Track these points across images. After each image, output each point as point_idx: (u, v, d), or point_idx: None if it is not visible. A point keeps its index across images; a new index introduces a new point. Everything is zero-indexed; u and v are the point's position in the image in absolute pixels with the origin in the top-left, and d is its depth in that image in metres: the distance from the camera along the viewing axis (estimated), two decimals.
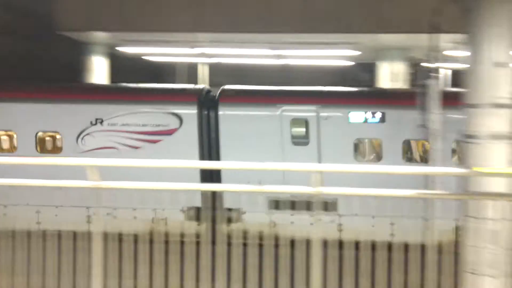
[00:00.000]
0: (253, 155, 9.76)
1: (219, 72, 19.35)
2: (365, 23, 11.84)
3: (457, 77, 8.23)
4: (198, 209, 10.36)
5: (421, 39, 10.97)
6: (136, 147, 10.43)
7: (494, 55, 7.05)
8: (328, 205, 9.59)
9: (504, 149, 7.16)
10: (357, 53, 14.72)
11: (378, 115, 10.41)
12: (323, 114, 10.39)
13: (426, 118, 8.19)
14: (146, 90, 11.73)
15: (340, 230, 9.91)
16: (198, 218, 10.42)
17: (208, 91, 11.42)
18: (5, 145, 10.98)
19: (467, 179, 7.13)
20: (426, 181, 8.00)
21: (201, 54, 15.95)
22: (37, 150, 10.58)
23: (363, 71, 20.99)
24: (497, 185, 7.00)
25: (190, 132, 10.41)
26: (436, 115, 8.03)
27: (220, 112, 10.50)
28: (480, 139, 7.15)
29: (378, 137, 10.53)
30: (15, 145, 10.84)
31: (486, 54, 7.11)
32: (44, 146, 10.87)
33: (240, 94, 11.29)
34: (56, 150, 10.89)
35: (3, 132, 10.92)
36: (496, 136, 7.12)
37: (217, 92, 10.96)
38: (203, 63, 19.37)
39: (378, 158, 10.66)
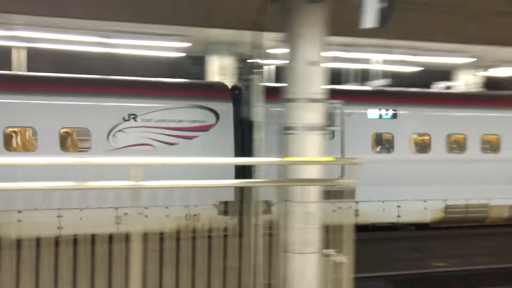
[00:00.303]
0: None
1: (39, 58, 17.72)
2: (194, 16, 12.00)
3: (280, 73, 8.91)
4: (232, 204, 10.26)
5: (247, 36, 11.58)
6: (172, 143, 10.25)
7: (308, 54, 7.74)
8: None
9: (318, 139, 7.98)
10: (187, 45, 14.83)
11: (391, 112, 11.86)
12: (347, 110, 11.25)
13: (250, 111, 8.64)
14: (182, 85, 11.86)
15: None
16: (228, 212, 10.48)
17: (237, 87, 11.32)
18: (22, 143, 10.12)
19: (286, 167, 7.76)
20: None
21: (15, 37, 14.42)
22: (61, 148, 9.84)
23: (195, 64, 21.28)
24: (312, 172, 7.79)
25: (226, 127, 10.47)
26: (259, 108, 8.50)
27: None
28: (297, 130, 7.85)
29: (391, 131, 11.86)
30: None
31: (301, 53, 7.77)
32: (65, 144, 10.12)
33: (271, 91, 10.41)
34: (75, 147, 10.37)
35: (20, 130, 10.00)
36: (310, 127, 7.87)
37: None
38: (19, 48, 17.51)
39: (392, 148, 11.94)
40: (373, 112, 11.93)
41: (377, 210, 11.76)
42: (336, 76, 16.27)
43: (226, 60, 14.98)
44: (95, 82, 11.03)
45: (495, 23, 13.15)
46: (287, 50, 7.98)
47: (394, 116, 12.04)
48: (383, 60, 15.46)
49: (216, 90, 11.25)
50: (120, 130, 10.01)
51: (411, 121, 12.29)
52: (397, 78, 15.96)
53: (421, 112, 12.47)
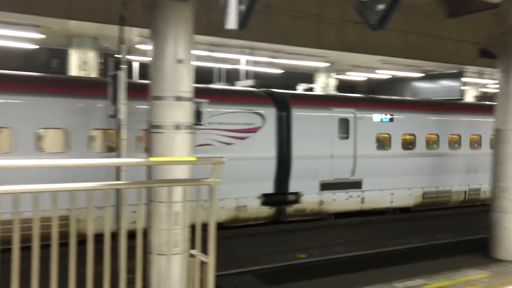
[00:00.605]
0: (317, 146, 12.91)
1: None
2: (50, 6, 11.14)
3: (146, 70, 8.71)
4: (270, 195, 12.32)
5: (113, 30, 11.08)
6: (229, 143, 11.66)
7: (176, 52, 7.65)
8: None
9: (186, 138, 7.93)
10: (41, 36, 13.68)
11: (389, 116, 14.28)
12: (359, 115, 13.75)
13: (115, 109, 8.28)
14: (236, 92, 13.45)
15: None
16: (270, 203, 12.40)
17: (277, 94, 13.22)
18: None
19: (152, 167, 7.58)
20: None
21: None
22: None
23: (54, 57, 19.83)
24: (179, 172, 7.72)
25: (270, 129, 12.14)
26: (123, 105, 8.19)
27: (292, 112, 12.71)
28: (164, 129, 7.72)
29: (388, 132, 14.22)
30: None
31: (169, 51, 7.65)
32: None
33: (304, 98, 14.30)
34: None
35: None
36: (178, 126, 7.79)
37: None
38: None
39: (389, 147, 14.37)
40: (377, 117, 14.31)
41: (377, 197, 14.29)
42: (206, 75, 16.37)
43: (89, 54, 14.18)
44: None
45: (348, 31, 14.32)
46: (154, 47, 7.82)
47: (391, 120, 14.38)
48: (249, 61, 15.91)
49: (262, 97, 12.87)
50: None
51: (403, 124, 14.68)
52: (264, 79, 16.57)
53: (410, 117, 14.96)
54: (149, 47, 7.98)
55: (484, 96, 20.01)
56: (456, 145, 15.84)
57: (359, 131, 13.70)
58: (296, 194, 12.92)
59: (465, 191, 16.31)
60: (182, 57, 7.72)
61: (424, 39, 15.72)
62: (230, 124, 11.78)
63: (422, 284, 5.89)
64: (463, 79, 18.79)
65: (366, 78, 22.73)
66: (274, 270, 10.97)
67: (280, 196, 12.69)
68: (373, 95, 16.77)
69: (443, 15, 15.84)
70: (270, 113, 12.37)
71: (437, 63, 16.93)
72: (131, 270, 3.48)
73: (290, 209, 12.99)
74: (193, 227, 3.66)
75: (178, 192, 6.14)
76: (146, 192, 6.59)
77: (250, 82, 14.99)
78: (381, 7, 3.98)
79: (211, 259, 3.48)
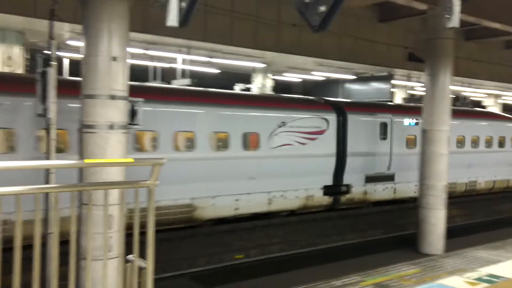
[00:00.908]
0: (364, 145, 15.55)
1: None
2: None
3: (78, 67, 8.33)
4: (330, 187, 14.52)
5: (40, 25, 10.52)
6: (303, 143, 13.91)
7: (110, 49, 7.36)
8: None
9: (120, 138, 7.66)
10: None
11: (415, 121, 16.74)
12: (394, 120, 16.43)
13: (44, 107, 7.86)
14: (307, 100, 15.86)
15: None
16: (329, 193, 14.61)
17: (337, 102, 16.00)
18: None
19: (85, 168, 7.26)
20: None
21: None
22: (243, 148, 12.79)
23: None
24: (114, 173, 7.45)
25: (332, 131, 14.30)
26: (52, 104, 7.79)
27: (347, 117, 15.16)
28: (97, 129, 7.42)
29: (415, 134, 16.53)
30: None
31: (102, 47, 7.35)
32: (249, 144, 12.91)
33: (356, 105, 16.72)
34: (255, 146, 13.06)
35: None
36: (112, 126, 7.51)
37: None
38: None
39: (414, 146, 16.52)
40: (406, 121, 16.99)
41: (405, 188, 16.90)
42: (141, 73, 15.96)
43: (14, 49, 13.37)
44: (260, 97, 15.97)
45: (285, 33, 14.52)
46: (87, 43, 7.50)
47: (417, 123, 16.57)
48: (186, 60, 15.70)
49: (327, 105, 15.27)
50: (275, 134, 13.40)
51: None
52: (201, 79, 16.43)
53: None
54: (81, 44, 7.64)
55: (412, 98, 21.03)
56: (459, 144, 18.65)
57: (394, 133, 16.48)
58: (348, 186, 15.49)
59: (466, 183, 19.25)
60: (117, 54, 7.45)
61: (357, 42, 16.25)
62: (305, 127, 14.10)
63: (359, 281, 6.07)
64: (392, 81, 19.61)
65: (301, 80, 23.16)
66: (211, 272, 10.90)
67: (336, 187, 15.23)
68: (401, 103, 20.03)
69: (375, 19, 16.45)
70: (332, 118, 14.74)
71: (369, 65, 17.55)
72: (63, 277, 3.30)
73: (343, 198, 15.54)
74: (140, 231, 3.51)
75: (113, 194, 5.91)
76: (78, 195, 6.30)
77: (187, 81, 14.78)
78: (322, 9, 4.03)
79: (149, 264, 3.36)
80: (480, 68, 20.18)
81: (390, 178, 16.54)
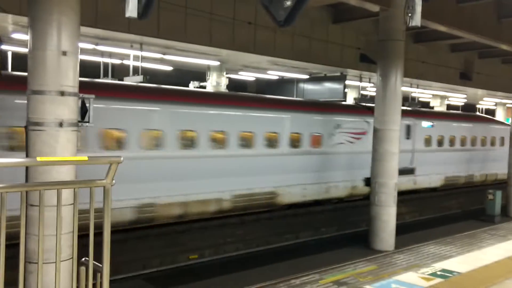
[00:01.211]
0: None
1: None
2: None
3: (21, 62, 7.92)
4: (368, 179, 14.86)
5: None
6: (352, 142, 17.05)
7: (59, 43, 7.03)
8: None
9: (70, 136, 7.34)
10: None
11: (431, 123, 20.55)
12: (415, 122, 19.61)
13: None
14: (354, 106, 18.93)
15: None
16: (368, 184, 15.26)
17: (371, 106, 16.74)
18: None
19: (33, 168, 6.91)
20: None
21: None
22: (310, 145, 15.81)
23: None
24: (63, 173, 7.13)
25: (371, 132, 14.73)
26: None
27: None
28: (45, 127, 7.08)
29: (430, 134, 20.49)
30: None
31: (51, 41, 7.00)
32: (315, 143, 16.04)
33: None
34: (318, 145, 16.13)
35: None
36: (62, 123, 7.18)
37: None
38: None
39: (430, 145, 20.49)
40: (425, 123, 20.38)
41: (422, 180, 20.12)
42: (91, 69, 15.43)
43: None
44: (322, 104, 17.74)
45: (240, 31, 14.44)
46: (33, 36, 7.13)
47: (432, 126, 20.59)
48: (138, 57, 15.31)
49: (368, 110, 17.38)
50: (333, 135, 16.44)
51: (439, 129, 20.96)
52: (154, 76, 16.08)
53: (441, 124, 21.30)
54: (26, 37, 7.26)
55: (363, 98, 21.52)
56: (464, 143, 22.63)
57: (415, 134, 19.60)
58: None
59: (465, 176, 23.06)
60: (67, 48, 7.13)
61: (311, 42, 16.40)
62: (353, 129, 17.14)
63: (318, 279, 6.09)
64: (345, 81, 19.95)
65: (255, 78, 23.17)
66: (165, 273, 10.70)
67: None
68: (420, 109, 22.65)
69: (329, 20, 16.67)
70: (372, 121, 16.24)
71: (322, 66, 17.76)
72: (10, 282, 3.10)
73: None
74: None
75: (64, 194, 5.63)
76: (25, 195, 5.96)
77: (139, 78, 14.40)
78: (288, 3, 3.99)
79: (105, 267, 3.20)
80: (428, 69, 20.91)
81: (411, 171, 19.54)
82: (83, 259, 3.49)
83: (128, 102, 11.80)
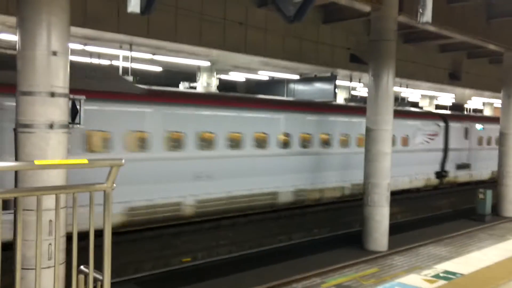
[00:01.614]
0: (457, 143, 22.52)
1: None
2: None
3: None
4: (438, 172, 20.92)
5: None
6: (428, 142, 20.94)
7: (49, 43, 6.86)
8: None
9: (61, 139, 7.16)
10: None
11: (482, 126, 24.93)
12: (471, 125, 23.81)
13: None
14: (429, 113, 23.77)
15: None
16: (437, 177, 21.21)
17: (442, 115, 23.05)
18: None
19: (24, 172, 6.73)
20: None
21: None
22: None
23: None
24: (54, 176, 6.95)
25: (442, 133, 20.85)
26: None
27: (449, 124, 22.28)
28: (35, 129, 6.90)
29: (482, 135, 24.94)
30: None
31: (41, 41, 6.83)
32: (404, 143, 19.82)
33: (453, 116, 23.81)
34: (406, 145, 19.87)
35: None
36: (53, 125, 7.01)
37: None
38: None
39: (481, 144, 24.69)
40: (478, 126, 24.29)
41: (474, 174, 24.02)
42: (78, 70, 15.17)
43: None
44: (406, 112, 21.06)
45: (231, 31, 14.32)
46: (22, 37, 6.95)
47: (483, 128, 24.76)
48: (128, 57, 15.11)
49: (439, 115, 22.07)
50: (416, 136, 20.07)
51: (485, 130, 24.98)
52: (144, 77, 15.89)
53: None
54: (14, 37, 7.08)
55: (353, 99, 21.55)
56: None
57: (471, 135, 23.56)
58: (447, 171, 22.15)
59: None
60: (57, 49, 6.97)
61: (301, 43, 16.33)
62: (430, 130, 20.94)
63: (320, 282, 5.99)
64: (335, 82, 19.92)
65: (245, 79, 23.04)
66: (158, 277, 10.54)
67: (441, 172, 21.84)
68: (474, 114, 26.96)
69: (319, 20, 16.62)
70: (442, 124, 21.25)
71: (313, 66, 17.70)
72: None
73: (444, 180, 22.15)
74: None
75: (50, 198, 5.47)
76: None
77: (129, 79, 14.20)
78: None
79: (106, 276, 3.05)
80: (418, 69, 20.99)
81: (468, 166, 23.38)
82: (81, 266, 3.34)
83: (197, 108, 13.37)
